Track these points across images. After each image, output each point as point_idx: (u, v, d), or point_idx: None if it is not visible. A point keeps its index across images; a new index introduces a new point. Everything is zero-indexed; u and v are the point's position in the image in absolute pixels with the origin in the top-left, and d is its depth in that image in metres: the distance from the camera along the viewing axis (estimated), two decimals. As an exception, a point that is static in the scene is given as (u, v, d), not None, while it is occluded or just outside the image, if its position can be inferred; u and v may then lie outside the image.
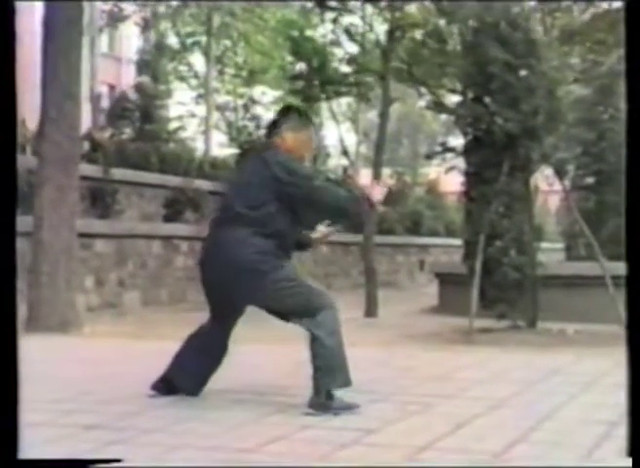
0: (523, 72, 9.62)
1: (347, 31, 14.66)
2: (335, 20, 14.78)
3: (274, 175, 4.59)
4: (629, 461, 3.02)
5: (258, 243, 4.55)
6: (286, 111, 5.04)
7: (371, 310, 13.16)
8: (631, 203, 3.10)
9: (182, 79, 32.04)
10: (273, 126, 4.95)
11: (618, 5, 12.81)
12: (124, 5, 24.71)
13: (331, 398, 4.44)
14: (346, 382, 4.53)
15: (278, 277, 4.59)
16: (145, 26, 27.30)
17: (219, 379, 4.91)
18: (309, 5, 16.07)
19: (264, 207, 4.58)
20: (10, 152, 2.95)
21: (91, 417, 4.34)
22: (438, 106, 14.59)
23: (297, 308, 4.61)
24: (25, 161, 11.93)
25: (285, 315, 4.71)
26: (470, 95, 10.30)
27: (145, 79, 21.39)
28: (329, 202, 4.67)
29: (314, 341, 4.52)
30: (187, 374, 4.86)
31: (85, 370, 6.18)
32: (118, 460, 3.37)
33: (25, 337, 8.88)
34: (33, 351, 7.72)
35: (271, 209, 4.59)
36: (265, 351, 7.18)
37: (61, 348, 7.98)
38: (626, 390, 3.10)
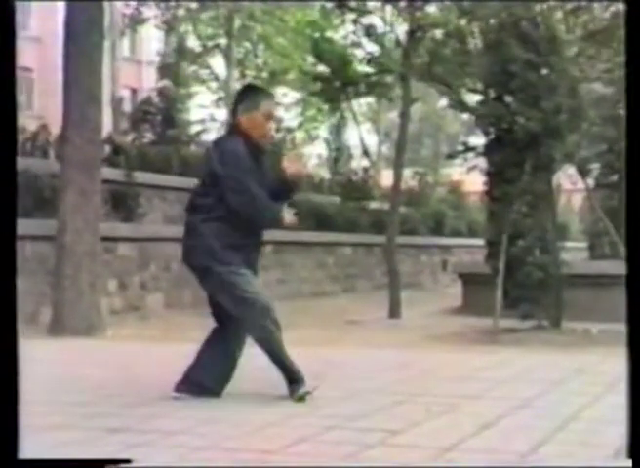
0: (544, 71, 9.57)
1: (368, 32, 14.65)
2: (355, 21, 14.77)
3: (213, 164, 4.72)
4: (629, 461, 3.01)
5: (204, 230, 4.70)
6: (242, 91, 5.08)
7: (394, 311, 13.13)
8: (631, 203, 3.09)
9: (204, 82, 32.10)
10: (233, 109, 4.97)
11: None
12: (144, 8, 24.77)
13: None
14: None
15: (218, 270, 4.69)
16: (166, 29, 27.36)
17: (243, 381, 4.91)
18: (329, 6, 16.05)
19: (209, 194, 4.72)
20: (10, 154, 2.95)
21: (115, 420, 4.35)
22: (459, 106, 14.54)
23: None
24: (48, 165, 11.98)
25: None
26: (492, 94, 10.26)
27: (167, 82, 21.44)
28: (248, 212, 4.73)
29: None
30: (210, 375, 4.86)
31: (109, 372, 6.20)
32: (128, 461, 3.37)
33: (50, 340, 8.97)
34: (58, 354, 7.77)
35: (215, 195, 4.70)
36: (291, 354, 7.17)
37: (85, 351, 8.01)
38: (626, 390, 3.08)
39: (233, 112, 4.95)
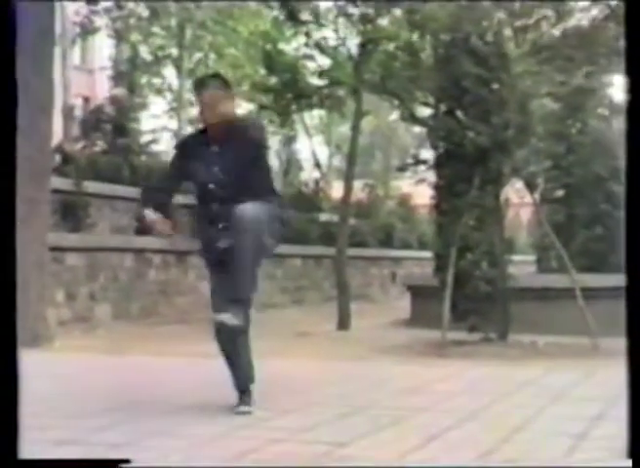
0: (495, 86, 9.69)
1: (319, 45, 14.70)
2: (307, 34, 14.81)
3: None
4: (629, 462, 3.04)
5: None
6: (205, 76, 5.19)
7: (343, 323, 13.16)
8: (631, 205, 3.11)
9: (159, 92, 31.95)
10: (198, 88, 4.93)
11: (585, 22, 12.93)
12: (95, 17, 24.59)
13: None
14: None
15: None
16: (118, 38, 27.20)
17: (191, 392, 4.89)
18: (282, 17, 16.09)
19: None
20: (10, 157, 2.93)
21: (61, 433, 4.32)
22: (411, 119, 14.65)
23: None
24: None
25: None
26: (443, 108, 10.36)
27: (120, 91, 21.31)
28: None
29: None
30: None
31: (55, 384, 6.14)
32: (127, 461, 3.36)
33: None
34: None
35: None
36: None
37: (32, 362, 7.90)
38: (627, 390, 3.12)
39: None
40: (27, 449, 3.88)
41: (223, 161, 4.72)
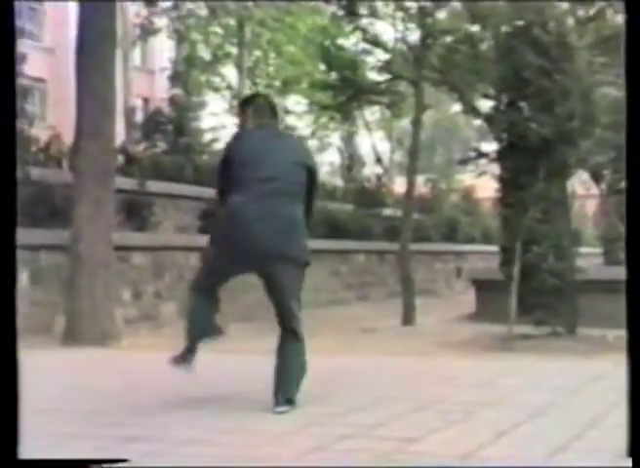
0: (557, 76, 9.55)
1: (378, 40, 14.64)
2: (365, 30, 14.77)
3: (309, 161, 4.88)
4: (629, 461, 2.99)
5: (303, 224, 4.83)
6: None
7: (408, 318, 13.11)
8: (631, 204, 3.08)
9: (216, 90, 32.14)
10: (261, 108, 5.07)
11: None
12: (155, 18, 24.83)
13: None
14: None
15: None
16: (177, 39, 27.41)
17: (261, 391, 4.90)
18: (340, 13, 16.07)
19: (303, 188, 4.82)
20: (10, 158, 2.94)
21: (129, 429, 4.35)
22: (472, 112, 14.52)
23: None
24: (62, 175, 12.01)
25: (282, 294, 4.84)
26: (504, 100, 10.24)
27: (178, 91, 21.47)
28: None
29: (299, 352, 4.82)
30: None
31: (123, 381, 6.20)
32: (124, 460, 3.36)
33: (64, 350, 8.97)
34: (72, 363, 7.78)
35: (304, 189, 4.84)
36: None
37: (99, 360, 8.01)
38: (627, 390, 3.07)
39: (271, 111, 5.12)
40: (100, 446, 3.92)
41: None
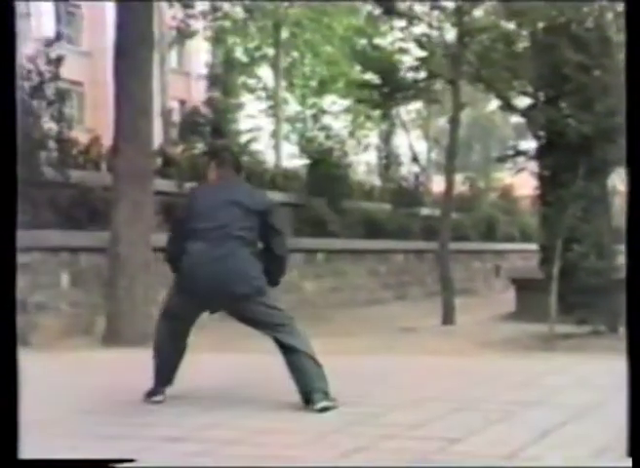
0: (597, 72, 9.46)
1: (414, 39, 14.58)
2: (403, 28, 14.71)
3: (261, 210, 5.25)
4: (629, 461, 2.95)
5: (253, 260, 5.16)
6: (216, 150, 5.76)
7: (448, 318, 13.03)
8: (632, 202, 3.05)
9: (252, 92, 32.23)
10: (223, 161, 5.63)
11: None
12: (192, 21, 24.92)
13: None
14: None
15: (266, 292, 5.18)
16: (214, 41, 27.51)
17: (294, 391, 4.89)
18: (376, 12, 16.01)
19: (253, 231, 5.21)
20: (10, 158, 2.95)
21: (172, 430, 4.36)
22: (510, 109, 14.41)
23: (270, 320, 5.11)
24: (101, 177, 12.09)
25: (252, 325, 5.23)
26: (542, 97, 10.16)
27: (216, 93, 21.54)
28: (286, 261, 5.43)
29: (294, 351, 4.98)
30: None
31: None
32: (131, 460, 3.36)
33: (104, 351, 9.03)
34: (111, 364, 7.82)
35: (256, 234, 5.23)
36: (346, 362, 7.15)
37: (140, 361, 8.04)
38: (627, 390, 3.03)
39: (224, 162, 5.65)
40: (138, 445, 3.93)
41: None
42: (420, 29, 14.87)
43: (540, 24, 10.63)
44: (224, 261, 5.06)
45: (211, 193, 5.43)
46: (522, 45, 13.13)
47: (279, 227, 5.36)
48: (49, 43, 12.07)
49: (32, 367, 8.00)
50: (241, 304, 5.11)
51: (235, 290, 5.06)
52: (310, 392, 4.83)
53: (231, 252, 5.10)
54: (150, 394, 5.31)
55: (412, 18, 14.56)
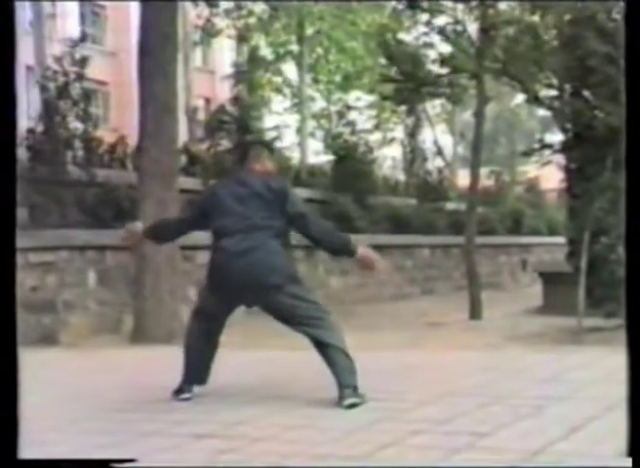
0: (623, 63, 9.37)
1: (441, 31, 14.53)
2: (428, 22, 14.67)
3: (284, 202, 5.18)
4: (629, 461, 2.92)
5: (282, 251, 5.12)
6: (249, 144, 5.96)
7: (475, 312, 13.00)
8: (632, 203, 3.01)
9: (277, 89, 32.24)
10: (244, 154, 5.62)
11: None
12: (216, 19, 24.95)
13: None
14: None
15: (299, 282, 5.14)
16: (238, 39, 27.53)
17: (329, 386, 4.89)
18: (400, 7, 15.97)
19: (278, 221, 5.15)
20: (10, 158, 2.95)
21: (202, 427, 4.37)
22: (535, 102, 14.34)
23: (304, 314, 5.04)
24: (126, 176, 12.14)
25: (287, 320, 5.13)
26: (568, 89, 10.09)
27: (241, 91, 21.55)
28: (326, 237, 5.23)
29: (328, 347, 4.93)
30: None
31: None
32: (132, 460, 3.36)
33: (132, 348, 9.07)
34: (139, 361, 7.86)
35: (282, 223, 5.16)
36: (373, 357, 7.14)
37: (167, 359, 8.07)
38: (626, 389, 2.99)
39: (242, 156, 5.64)
40: (168, 442, 3.95)
41: None
42: (444, 23, 14.83)
43: (566, 16, 10.56)
44: (252, 253, 5.03)
45: (231, 188, 5.38)
46: (547, 37, 13.07)
47: (300, 210, 5.24)
48: (74, 44, 12.14)
49: (62, 365, 8.07)
50: (272, 296, 5.05)
51: (265, 280, 5.01)
52: (340, 388, 4.82)
53: (259, 243, 5.06)
54: (178, 391, 5.30)
55: (436, 11, 14.51)
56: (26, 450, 2.99)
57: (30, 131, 12.16)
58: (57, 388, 6.14)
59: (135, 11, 19.82)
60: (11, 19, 2.98)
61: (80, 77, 12.01)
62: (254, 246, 5.05)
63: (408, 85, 14.67)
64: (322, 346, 4.97)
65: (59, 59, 12.08)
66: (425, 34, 15.11)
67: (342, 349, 4.95)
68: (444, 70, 15.10)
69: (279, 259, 5.09)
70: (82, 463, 3.46)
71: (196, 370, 5.36)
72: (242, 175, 5.45)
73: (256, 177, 5.36)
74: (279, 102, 33.25)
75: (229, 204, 5.24)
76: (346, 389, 4.80)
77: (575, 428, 4.01)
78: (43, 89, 12.14)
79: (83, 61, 12.05)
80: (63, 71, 11.93)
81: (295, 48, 29.53)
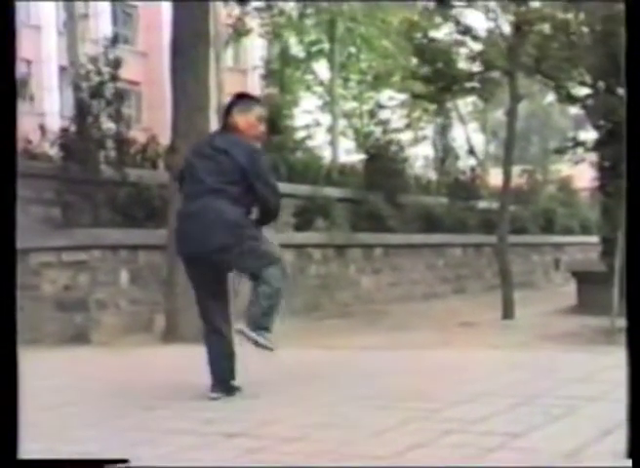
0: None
1: (470, 30, 14.46)
2: (458, 21, 14.61)
3: (242, 164, 5.13)
4: (629, 462, 2.88)
5: (237, 210, 5.11)
6: (236, 97, 5.56)
7: (508, 312, 12.91)
8: (632, 201, 2.97)
9: (308, 88, 32.25)
10: (227, 111, 5.47)
11: None
12: (247, 18, 25.02)
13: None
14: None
15: (254, 233, 5.18)
16: (269, 38, 27.56)
17: (358, 386, 4.88)
18: (431, 5, 15.90)
19: (236, 185, 5.11)
20: (10, 158, 2.95)
21: (232, 426, 4.37)
22: (568, 100, 14.24)
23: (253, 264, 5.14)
24: (158, 176, 12.18)
25: (242, 270, 5.29)
26: (601, 86, 10.01)
27: (272, 89, 21.59)
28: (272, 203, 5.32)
29: (262, 284, 5.08)
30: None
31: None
32: (125, 461, 3.35)
33: (164, 347, 9.10)
34: (171, 360, 7.88)
35: (241, 187, 5.12)
36: (405, 357, 7.12)
37: (199, 357, 8.08)
38: (626, 390, 2.95)
39: (227, 113, 5.48)
40: (199, 441, 3.95)
41: None
42: (475, 20, 14.77)
43: (599, 13, 10.48)
44: (198, 217, 5.07)
45: (200, 150, 5.37)
46: (580, 35, 12.97)
47: (261, 172, 5.22)
48: (108, 44, 12.21)
49: (94, 364, 8.11)
50: (228, 256, 5.10)
51: (215, 242, 5.06)
52: (251, 321, 5.11)
53: (209, 206, 5.07)
54: (211, 390, 5.30)
55: (466, 7, 14.44)
56: (63, 447, 3.01)
57: (64, 130, 12.24)
58: (89, 386, 6.18)
59: (166, 10, 19.94)
60: (11, 19, 2.98)
61: (114, 78, 12.07)
62: (201, 209, 5.08)
63: (439, 83, 14.61)
64: (258, 281, 5.12)
65: (93, 60, 12.15)
66: (457, 32, 15.04)
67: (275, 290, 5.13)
68: (476, 68, 15.03)
69: (226, 220, 5.07)
70: (77, 463, 3.46)
71: (217, 367, 5.38)
72: (215, 133, 5.47)
73: (231, 136, 5.29)
74: (310, 101, 33.26)
75: (192, 168, 5.28)
76: (253, 324, 5.07)
77: (608, 430, 3.97)
78: (77, 89, 12.22)
79: (116, 62, 12.10)
80: (97, 71, 12.00)
81: (326, 46, 29.53)
